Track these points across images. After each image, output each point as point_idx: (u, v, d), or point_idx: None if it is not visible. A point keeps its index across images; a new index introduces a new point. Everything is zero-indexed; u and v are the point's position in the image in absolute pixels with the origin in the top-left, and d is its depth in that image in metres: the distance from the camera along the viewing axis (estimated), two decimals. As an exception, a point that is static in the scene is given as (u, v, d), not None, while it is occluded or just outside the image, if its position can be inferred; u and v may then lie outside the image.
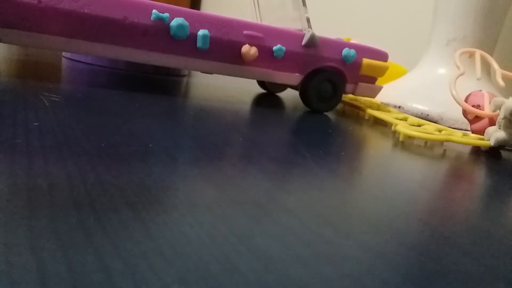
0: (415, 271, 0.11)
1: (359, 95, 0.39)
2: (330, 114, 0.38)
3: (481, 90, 0.35)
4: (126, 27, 0.29)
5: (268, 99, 0.41)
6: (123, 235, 0.10)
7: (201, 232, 0.11)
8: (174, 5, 0.30)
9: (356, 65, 0.37)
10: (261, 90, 0.48)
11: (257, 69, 0.34)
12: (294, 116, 0.33)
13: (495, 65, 0.38)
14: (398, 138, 0.30)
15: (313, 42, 0.34)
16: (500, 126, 0.30)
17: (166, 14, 0.29)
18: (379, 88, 0.40)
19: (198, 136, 0.20)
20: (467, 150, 0.32)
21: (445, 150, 0.30)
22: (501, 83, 0.36)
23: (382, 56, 0.38)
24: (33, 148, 0.14)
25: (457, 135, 0.32)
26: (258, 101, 0.39)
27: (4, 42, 0.27)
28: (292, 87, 0.41)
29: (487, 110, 0.32)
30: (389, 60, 0.39)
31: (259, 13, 0.45)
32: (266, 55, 0.33)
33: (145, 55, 0.30)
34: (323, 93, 0.37)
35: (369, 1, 0.75)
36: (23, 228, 0.09)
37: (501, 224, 0.16)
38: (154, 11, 0.29)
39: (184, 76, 0.48)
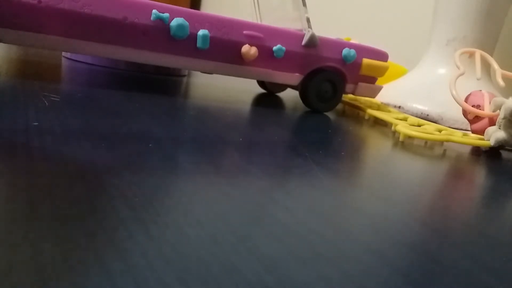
0: (415, 271, 0.11)
1: (359, 95, 0.39)
2: (330, 114, 0.38)
3: (481, 90, 0.35)
4: (126, 27, 0.29)
5: (268, 99, 0.41)
6: (123, 235, 0.10)
7: (201, 232, 0.11)
8: (174, 5, 0.30)
9: (356, 65, 0.37)
10: (261, 90, 0.48)
11: (257, 69, 0.34)
12: (294, 116, 0.33)
13: (495, 65, 0.38)
14: (398, 138, 0.30)
15: (313, 42, 0.34)
16: (500, 126, 0.30)
17: (166, 14, 0.29)
18: (379, 88, 0.40)
19: (198, 136, 0.20)
20: (467, 150, 0.32)
21: (445, 150, 0.30)
22: (501, 83, 0.36)
23: (382, 56, 0.38)
24: (33, 148, 0.14)
25: (457, 135, 0.32)
26: (258, 101, 0.39)
27: (4, 42, 0.27)
28: (292, 87, 0.41)
29: (487, 110, 0.32)
30: (389, 60, 0.39)
31: (259, 13, 0.45)
32: (266, 55, 0.33)
33: (145, 55, 0.30)
34: (323, 93, 0.37)
35: (369, 1, 0.75)
36: (23, 228, 0.09)
37: (502, 224, 0.16)
38: (154, 11, 0.29)
39: (184, 76, 0.48)
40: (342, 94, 0.38)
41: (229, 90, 0.42)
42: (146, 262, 0.09)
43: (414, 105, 0.47)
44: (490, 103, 0.32)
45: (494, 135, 0.30)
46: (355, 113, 0.42)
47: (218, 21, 0.31)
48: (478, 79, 0.37)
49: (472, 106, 0.34)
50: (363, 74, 0.38)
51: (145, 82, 0.37)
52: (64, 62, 0.41)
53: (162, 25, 0.30)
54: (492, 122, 0.32)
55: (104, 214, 0.11)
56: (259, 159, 0.18)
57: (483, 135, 0.32)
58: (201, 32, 0.30)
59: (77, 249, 0.09)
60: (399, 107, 0.48)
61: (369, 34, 0.72)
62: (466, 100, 0.35)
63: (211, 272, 0.09)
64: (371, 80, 0.39)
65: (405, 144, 0.29)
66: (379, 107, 0.43)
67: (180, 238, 0.10)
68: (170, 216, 0.11)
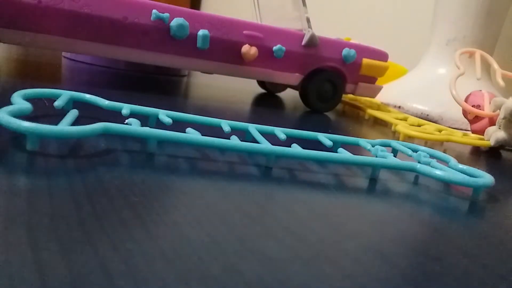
0: (415, 271, 0.11)
1: (359, 95, 0.39)
2: (330, 114, 0.38)
3: (481, 90, 0.35)
4: (126, 27, 0.29)
5: (268, 99, 0.41)
6: (123, 235, 0.10)
7: (201, 232, 0.11)
8: (174, 5, 0.30)
9: (356, 65, 0.37)
10: (261, 90, 0.48)
11: (257, 69, 0.34)
12: (294, 116, 0.33)
13: (495, 65, 0.38)
14: (398, 138, 0.30)
15: (313, 42, 0.34)
16: (500, 126, 0.30)
17: (166, 14, 0.29)
18: (379, 88, 0.40)
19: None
20: (467, 150, 0.32)
21: (445, 150, 0.30)
22: (501, 83, 0.36)
23: (382, 56, 0.38)
24: (31, 151, 0.14)
25: (457, 135, 0.32)
26: (258, 101, 0.39)
27: (4, 42, 0.27)
28: (292, 87, 0.41)
29: (487, 110, 0.32)
30: (389, 60, 0.39)
31: (259, 13, 0.45)
32: (266, 55, 0.33)
33: (145, 55, 0.30)
34: (323, 93, 0.37)
35: (369, 1, 0.75)
36: (23, 228, 0.09)
37: (501, 224, 0.16)
38: (154, 11, 0.29)
39: (184, 76, 0.48)
40: (342, 94, 0.38)
41: (229, 90, 0.42)
42: (146, 262, 0.09)
43: (414, 105, 0.47)
44: (490, 103, 0.32)
45: (494, 135, 0.30)
46: (355, 113, 0.42)
47: (218, 21, 0.31)
48: (478, 79, 0.37)
49: (472, 106, 0.34)
50: (363, 74, 0.38)
51: (145, 82, 0.37)
52: (64, 62, 0.41)
53: (162, 25, 0.30)
54: (492, 122, 0.32)
55: (104, 214, 0.11)
56: (258, 160, 0.18)
57: (483, 135, 0.32)
58: (201, 32, 0.30)
59: (77, 249, 0.09)
60: (399, 107, 0.48)
61: (369, 34, 0.72)
62: (466, 100, 0.35)
63: (211, 272, 0.09)
64: (371, 80, 0.39)
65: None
66: (379, 107, 0.43)
67: (180, 238, 0.10)
68: (170, 216, 0.11)
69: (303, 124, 0.30)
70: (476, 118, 0.34)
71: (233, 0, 1.19)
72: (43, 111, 0.19)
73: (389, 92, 0.50)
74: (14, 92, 0.17)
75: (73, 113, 0.17)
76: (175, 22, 0.29)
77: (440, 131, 0.33)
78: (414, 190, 0.18)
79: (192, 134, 0.17)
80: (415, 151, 0.22)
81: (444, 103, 0.45)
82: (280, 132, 0.21)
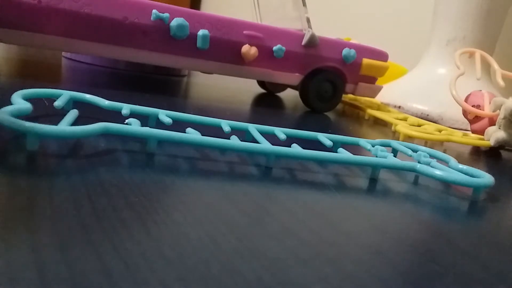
0: (415, 271, 0.11)
1: (359, 95, 0.39)
2: (330, 114, 0.38)
3: (481, 90, 0.35)
4: (126, 27, 0.29)
5: (268, 99, 0.41)
6: (123, 235, 0.10)
7: (201, 232, 0.11)
8: (174, 5, 0.30)
9: (356, 65, 0.37)
10: (261, 90, 0.48)
11: (257, 69, 0.34)
12: (294, 116, 0.33)
13: (495, 65, 0.38)
14: (398, 138, 0.30)
15: (313, 42, 0.34)
16: (500, 126, 0.30)
17: (166, 14, 0.29)
18: (379, 88, 0.40)
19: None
20: (467, 150, 0.32)
21: (445, 150, 0.30)
22: (501, 83, 0.36)
23: (382, 56, 0.38)
24: (31, 150, 0.14)
25: (457, 135, 0.32)
26: (258, 101, 0.39)
27: (4, 42, 0.27)
28: (292, 87, 0.41)
29: (487, 110, 0.32)
30: (389, 60, 0.39)
31: (259, 13, 0.45)
32: (266, 55, 0.33)
33: (145, 55, 0.30)
34: (323, 93, 0.37)
35: (369, 1, 0.75)
36: (23, 228, 0.09)
37: (501, 224, 0.16)
38: (154, 11, 0.29)
39: (184, 76, 0.48)
40: (342, 94, 0.38)
41: (229, 90, 0.42)
42: (146, 262, 0.09)
43: (414, 105, 0.47)
44: (490, 103, 0.32)
45: (494, 135, 0.30)
46: (355, 113, 0.42)
47: (218, 21, 0.31)
48: (478, 79, 0.37)
49: (472, 106, 0.34)
50: (363, 74, 0.38)
51: (145, 82, 0.37)
52: (64, 62, 0.41)
53: (162, 25, 0.30)
54: (492, 122, 0.32)
55: (104, 214, 0.11)
56: (259, 159, 0.18)
57: (483, 135, 0.32)
58: (201, 32, 0.30)
59: (77, 249, 0.09)
60: (399, 107, 0.48)
61: (369, 34, 0.72)
62: (466, 100, 0.35)
63: (211, 272, 0.09)
64: (371, 80, 0.39)
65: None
66: (379, 107, 0.43)
67: (180, 238, 0.10)
68: (170, 216, 0.11)
69: (303, 124, 0.30)
70: (476, 118, 0.34)
71: (233, 0, 1.19)
72: (43, 111, 0.19)
73: (389, 92, 0.50)
74: (14, 92, 0.17)
75: (73, 113, 0.17)
76: (175, 22, 0.29)
77: (440, 131, 0.33)
78: (414, 190, 0.18)
79: (192, 134, 0.17)
80: (415, 151, 0.22)
81: (444, 103, 0.45)
82: (280, 132, 0.21)
